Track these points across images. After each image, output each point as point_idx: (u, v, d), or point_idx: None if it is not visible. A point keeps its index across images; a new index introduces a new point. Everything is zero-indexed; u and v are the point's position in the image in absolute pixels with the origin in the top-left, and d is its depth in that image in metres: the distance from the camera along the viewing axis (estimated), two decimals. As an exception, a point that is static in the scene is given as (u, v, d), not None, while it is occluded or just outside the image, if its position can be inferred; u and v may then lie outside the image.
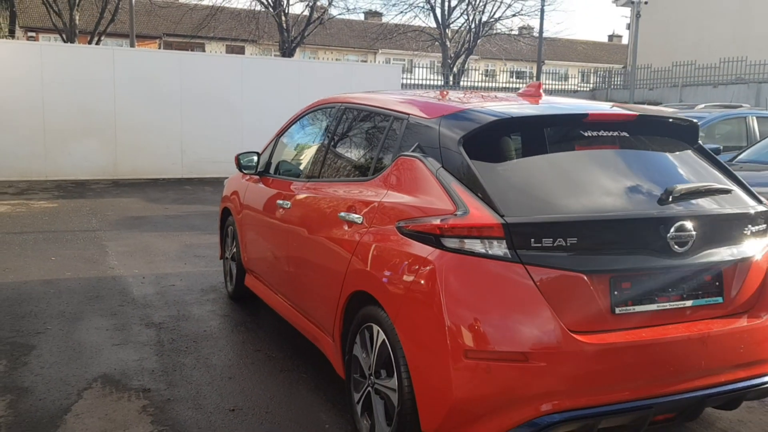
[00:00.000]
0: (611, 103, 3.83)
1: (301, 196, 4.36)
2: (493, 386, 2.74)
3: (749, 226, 3.19)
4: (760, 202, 3.35)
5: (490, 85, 33.04)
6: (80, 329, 5.07)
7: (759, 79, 21.17)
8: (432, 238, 2.91)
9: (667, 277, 2.97)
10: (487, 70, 46.35)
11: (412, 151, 3.36)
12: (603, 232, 2.89)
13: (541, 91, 3.76)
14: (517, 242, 2.78)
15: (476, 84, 30.97)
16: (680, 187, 3.07)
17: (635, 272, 2.92)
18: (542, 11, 25.02)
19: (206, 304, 5.80)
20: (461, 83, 28.68)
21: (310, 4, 26.60)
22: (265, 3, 26.75)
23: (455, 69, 28.66)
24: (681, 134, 3.57)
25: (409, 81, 28.36)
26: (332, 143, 4.36)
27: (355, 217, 3.54)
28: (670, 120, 3.52)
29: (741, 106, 11.62)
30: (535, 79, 35.83)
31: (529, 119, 3.27)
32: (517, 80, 44.68)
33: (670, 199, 3.01)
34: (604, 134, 3.27)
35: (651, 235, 2.92)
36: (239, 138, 14.72)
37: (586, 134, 3.24)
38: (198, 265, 7.18)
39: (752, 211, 3.23)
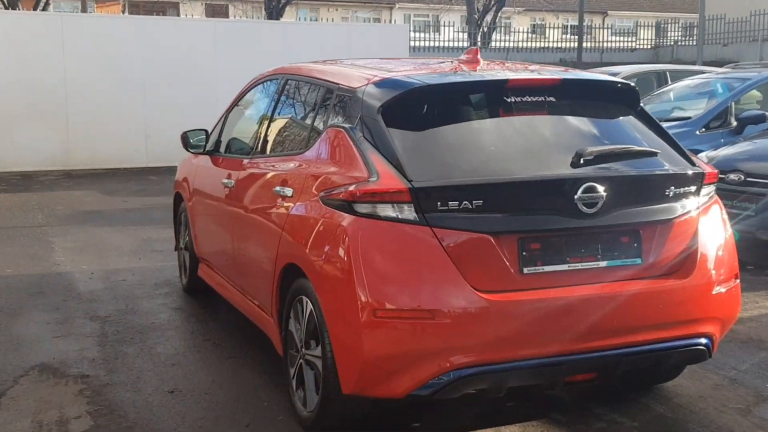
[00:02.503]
0: (549, 67, 4.71)
1: (243, 174, 5.29)
2: (401, 343, 3.62)
3: (672, 187, 4.02)
4: (692, 164, 4.20)
5: (536, 45, 33.84)
6: (19, 323, 6.05)
7: None
8: (346, 205, 3.80)
9: (577, 238, 3.83)
10: (534, 25, 47.15)
11: (339, 122, 4.27)
12: (509, 194, 3.76)
13: (479, 57, 4.64)
14: (425, 206, 3.66)
15: (517, 44, 31.79)
16: (592, 149, 3.92)
17: (543, 233, 3.78)
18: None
19: (158, 298, 6.76)
20: (492, 44, 29.46)
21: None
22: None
23: (484, 27, 29.37)
24: (619, 98, 4.43)
25: (430, 43, 29.32)
26: (273, 117, 5.29)
27: (287, 190, 4.45)
28: (603, 84, 4.39)
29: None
30: (589, 32, 36.62)
31: (447, 86, 4.16)
32: (575, 36, 45.26)
33: (581, 162, 3.86)
34: (529, 100, 4.14)
35: (558, 196, 3.78)
36: (214, 118, 15.63)
37: (509, 100, 4.10)
38: (154, 260, 8.15)
39: (677, 173, 4.08)
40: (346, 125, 4.16)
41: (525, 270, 3.75)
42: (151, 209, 11.22)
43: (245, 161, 5.38)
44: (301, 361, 4.28)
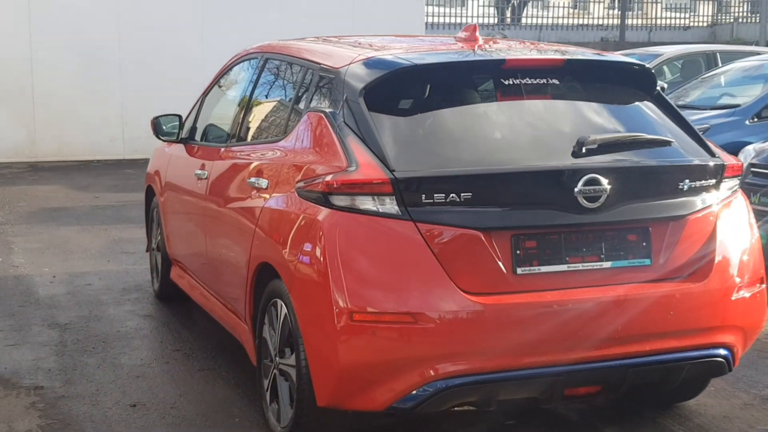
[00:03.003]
0: (562, 47, 4.90)
1: (218, 165, 5.51)
2: (381, 351, 3.81)
3: (687, 180, 4.20)
4: (712, 155, 4.38)
5: (577, 22, 33.91)
6: (-31, 330, 6.30)
7: None
8: (322, 197, 4.00)
9: (577, 236, 4.02)
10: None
11: (320, 106, 4.46)
12: (502, 186, 3.95)
13: (477, 34, 4.83)
14: (408, 198, 3.85)
15: (556, 21, 31.94)
16: (596, 137, 4.10)
17: (540, 230, 3.97)
18: None
19: (125, 304, 7.00)
20: (524, 21, 29.67)
21: None
22: None
23: (515, 1, 29.61)
24: (633, 81, 4.62)
25: (452, 20, 29.52)
26: (252, 101, 5.51)
27: (262, 182, 4.66)
28: (615, 65, 4.58)
29: None
30: (640, 8, 36.78)
31: (437, 67, 4.37)
32: (619, 12, 45.32)
33: (583, 151, 4.05)
34: (530, 82, 4.33)
35: (557, 189, 3.96)
36: (199, 103, 15.94)
37: (507, 82, 4.30)
38: (124, 263, 8.40)
39: (693, 164, 4.26)
40: (327, 109, 4.36)
41: (519, 270, 3.93)
42: (126, 207, 11.46)
43: (222, 150, 5.58)
44: (275, 371, 4.47)
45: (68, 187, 13.23)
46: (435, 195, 3.86)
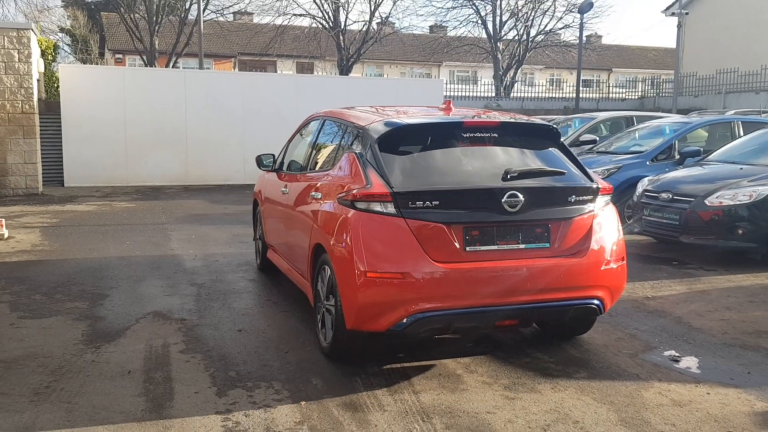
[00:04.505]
0: (493, 112, 5.37)
1: (294, 184, 6.04)
2: (383, 295, 4.29)
3: (574, 196, 4.65)
4: (591, 181, 4.82)
5: (553, 95, 34.02)
6: (142, 286, 6.88)
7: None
8: (350, 203, 4.52)
9: (504, 228, 4.48)
10: (553, 79, 47.32)
11: (352, 148, 4.99)
12: (457, 198, 4.42)
13: (452, 106, 5.33)
14: (401, 204, 4.35)
15: (538, 95, 32.14)
16: (516, 169, 4.57)
17: (481, 224, 4.43)
18: (581, 26, 26.12)
19: (239, 272, 7.54)
20: (512, 95, 29.88)
21: (365, 26, 28.47)
22: (324, 24, 28.78)
23: (507, 81, 29.85)
24: (544, 135, 5.06)
25: (466, 94, 29.83)
26: (315, 145, 6.04)
27: (318, 194, 5.18)
28: (532, 125, 5.04)
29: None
30: (597, 85, 36.72)
31: (419, 126, 4.86)
32: (584, 88, 45.01)
33: (508, 177, 4.51)
34: (480, 135, 4.80)
35: (491, 200, 4.43)
36: (294, 148, 16.57)
37: (466, 135, 4.78)
38: (240, 248, 8.96)
39: (577, 186, 4.69)
40: (356, 151, 4.88)
41: (468, 248, 4.40)
42: (244, 213, 11.98)
43: (298, 176, 6.12)
44: (323, 309, 4.98)
45: (207, 201, 13.87)
46: (417, 202, 4.34)
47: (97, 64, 36.59)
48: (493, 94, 29.65)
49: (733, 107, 21.87)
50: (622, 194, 10.12)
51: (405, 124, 4.79)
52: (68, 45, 43.38)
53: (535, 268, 4.46)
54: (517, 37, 31.87)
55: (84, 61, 36.42)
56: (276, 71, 41.24)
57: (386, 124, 4.84)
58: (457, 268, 4.33)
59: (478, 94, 30.06)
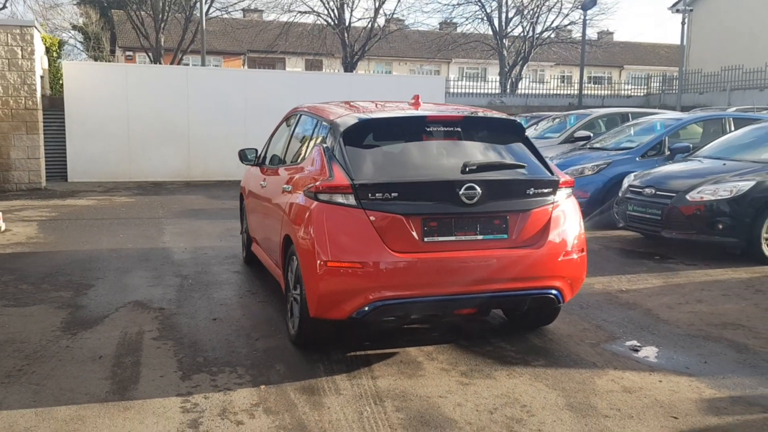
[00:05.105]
0: (459, 107, 5.49)
1: (271, 177, 6.19)
2: (343, 283, 4.42)
3: (532, 189, 4.75)
4: (551, 174, 4.93)
5: (562, 92, 34.05)
6: (128, 277, 7.06)
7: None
8: (314, 195, 4.66)
9: (461, 219, 4.59)
10: (563, 76, 47.25)
11: (320, 143, 5.13)
12: (415, 190, 4.53)
13: (420, 101, 5.45)
14: (361, 196, 4.47)
15: (542, 92, 32.14)
16: (475, 161, 4.68)
17: (439, 215, 4.54)
18: (584, 22, 26.10)
19: (224, 265, 7.71)
20: (518, 92, 29.90)
21: (370, 23, 28.58)
22: (329, 21, 28.93)
23: (512, 77, 29.88)
24: (508, 129, 5.17)
25: (471, 90, 29.90)
26: (291, 139, 6.19)
27: (289, 187, 5.33)
28: (496, 119, 5.15)
29: None
30: (608, 82, 36.67)
31: (383, 120, 4.97)
32: (595, 85, 44.97)
33: (467, 170, 4.63)
34: (444, 129, 4.92)
35: (449, 192, 4.54)
36: (294, 144, 16.74)
37: (429, 129, 4.90)
38: (230, 242, 9.11)
39: (536, 179, 4.79)
40: (324, 145, 5.02)
41: (426, 239, 4.52)
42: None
43: (275, 169, 6.26)
44: (291, 298, 5.13)
45: (206, 196, 14.06)
46: (377, 194, 4.46)
47: (108, 61, 37.00)
48: (499, 91, 29.67)
49: (738, 104, 21.81)
50: (611, 190, 10.22)
51: (369, 119, 4.91)
52: (81, 42, 43.86)
53: (492, 258, 4.57)
54: (522, 34, 31.84)
55: (96, 59, 36.85)
56: (285, 68, 41.48)
57: (351, 118, 4.97)
58: (415, 258, 4.45)
59: (483, 91, 30.15)
